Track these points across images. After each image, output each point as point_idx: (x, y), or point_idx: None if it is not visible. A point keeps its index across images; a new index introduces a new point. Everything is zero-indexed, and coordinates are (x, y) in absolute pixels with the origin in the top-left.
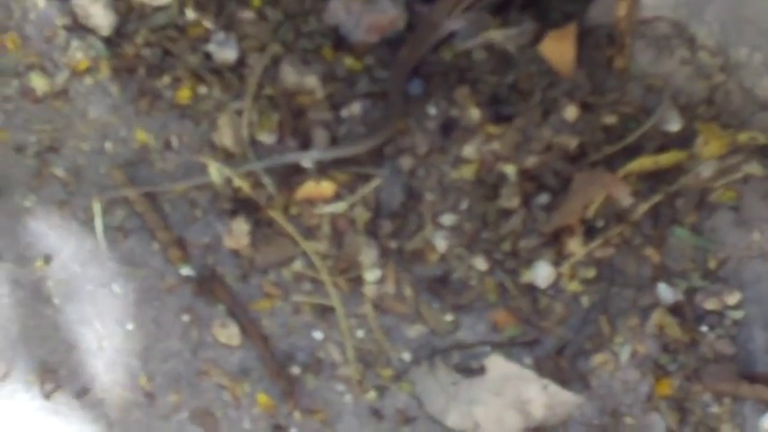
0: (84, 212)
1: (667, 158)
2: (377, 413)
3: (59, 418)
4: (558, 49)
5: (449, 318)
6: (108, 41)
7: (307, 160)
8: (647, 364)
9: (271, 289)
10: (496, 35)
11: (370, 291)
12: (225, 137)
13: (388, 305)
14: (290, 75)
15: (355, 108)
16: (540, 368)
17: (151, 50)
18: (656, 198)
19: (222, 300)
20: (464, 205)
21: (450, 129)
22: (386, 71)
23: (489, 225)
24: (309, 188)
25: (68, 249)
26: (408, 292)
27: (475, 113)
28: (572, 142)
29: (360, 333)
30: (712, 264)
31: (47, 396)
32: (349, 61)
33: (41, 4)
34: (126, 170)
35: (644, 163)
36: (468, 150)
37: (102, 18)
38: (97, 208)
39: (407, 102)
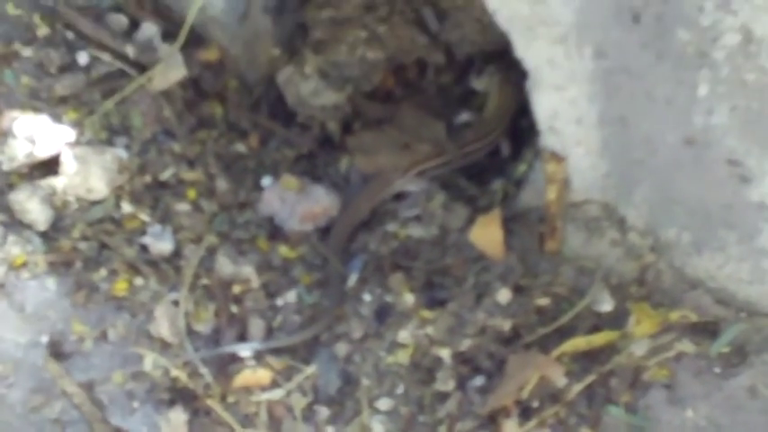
0: (21, 406)
1: (600, 338)
2: None
3: None
4: (487, 234)
5: None
6: (44, 236)
7: (245, 351)
8: None
9: None
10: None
11: None
12: (162, 328)
13: None
14: (225, 265)
15: (291, 296)
16: None
17: (88, 244)
18: (590, 378)
19: None
20: (400, 389)
21: (384, 314)
22: (320, 259)
23: (426, 409)
24: (246, 376)
25: None
26: None
27: (409, 299)
28: (506, 325)
29: None
30: None
31: None
32: (284, 250)
33: None
34: (63, 363)
35: (577, 343)
36: (403, 335)
37: (38, 213)
38: None
39: (345, 281)
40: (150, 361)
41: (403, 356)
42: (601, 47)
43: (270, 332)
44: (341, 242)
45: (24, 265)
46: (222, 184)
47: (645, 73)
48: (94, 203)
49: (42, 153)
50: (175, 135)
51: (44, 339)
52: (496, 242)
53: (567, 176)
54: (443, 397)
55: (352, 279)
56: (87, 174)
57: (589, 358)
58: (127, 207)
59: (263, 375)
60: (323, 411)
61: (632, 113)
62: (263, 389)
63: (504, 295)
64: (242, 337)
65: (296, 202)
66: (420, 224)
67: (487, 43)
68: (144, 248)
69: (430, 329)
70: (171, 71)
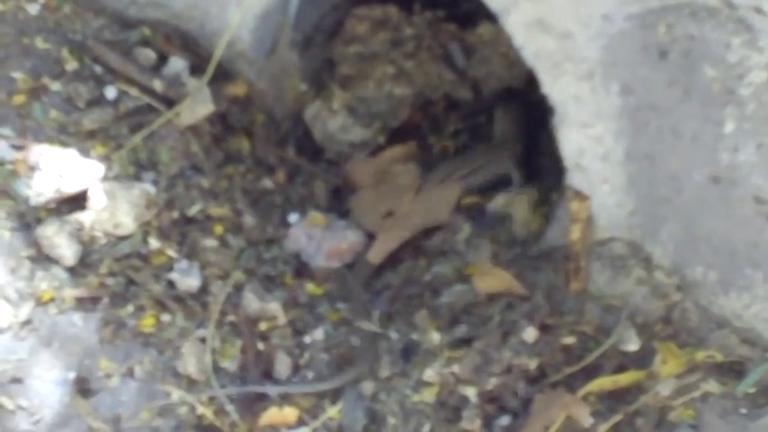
0: None
1: (626, 378)
2: None
3: None
4: (489, 277)
5: None
6: (72, 271)
7: (273, 392)
8: None
9: None
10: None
11: None
12: (188, 364)
13: None
14: (252, 302)
15: (318, 334)
16: None
17: (115, 279)
18: (616, 418)
19: None
20: (426, 428)
21: (411, 352)
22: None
23: None
24: (273, 414)
25: None
26: None
27: (435, 337)
28: (532, 363)
29: None
30: None
31: None
32: (310, 287)
33: (6, 235)
34: (90, 399)
35: (603, 383)
36: (429, 373)
37: (66, 248)
38: None
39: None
40: (177, 398)
41: (429, 395)
42: (627, 83)
43: (296, 369)
44: (364, 279)
45: (52, 300)
46: (249, 219)
47: (671, 110)
48: (122, 239)
49: (70, 188)
50: (203, 170)
51: (71, 375)
52: (504, 277)
53: (592, 215)
54: None
55: (375, 316)
56: (115, 209)
57: (615, 398)
58: (154, 242)
59: (290, 413)
60: None
61: (658, 150)
62: (290, 427)
63: (530, 334)
64: (268, 375)
65: (322, 239)
66: (445, 260)
67: (514, 79)
68: (171, 284)
69: (456, 368)
70: (198, 106)
